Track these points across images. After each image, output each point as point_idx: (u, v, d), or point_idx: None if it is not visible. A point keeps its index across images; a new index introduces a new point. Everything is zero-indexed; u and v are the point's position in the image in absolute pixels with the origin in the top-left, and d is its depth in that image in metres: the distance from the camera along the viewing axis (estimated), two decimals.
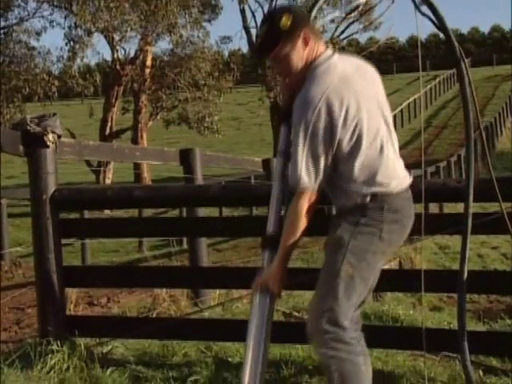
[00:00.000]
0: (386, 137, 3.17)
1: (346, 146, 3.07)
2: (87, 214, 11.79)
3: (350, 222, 3.14)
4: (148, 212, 14.30)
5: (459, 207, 4.61)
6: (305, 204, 3.11)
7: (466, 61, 3.51)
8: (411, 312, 6.15)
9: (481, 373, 4.18)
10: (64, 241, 4.97)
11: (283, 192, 3.28)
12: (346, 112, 3.03)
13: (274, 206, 3.29)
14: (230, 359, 4.59)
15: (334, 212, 3.38)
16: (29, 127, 4.64)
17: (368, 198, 3.12)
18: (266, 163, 9.07)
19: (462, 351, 3.67)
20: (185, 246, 10.23)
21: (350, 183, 3.13)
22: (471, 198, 3.61)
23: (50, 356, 4.49)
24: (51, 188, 4.74)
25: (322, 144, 3.04)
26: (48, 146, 4.69)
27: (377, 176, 3.12)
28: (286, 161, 3.28)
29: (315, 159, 3.06)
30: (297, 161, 3.08)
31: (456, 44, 3.47)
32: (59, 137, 4.79)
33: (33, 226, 4.83)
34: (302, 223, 3.13)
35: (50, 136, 4.66)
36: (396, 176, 3.19)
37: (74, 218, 10.28)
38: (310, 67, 3.13)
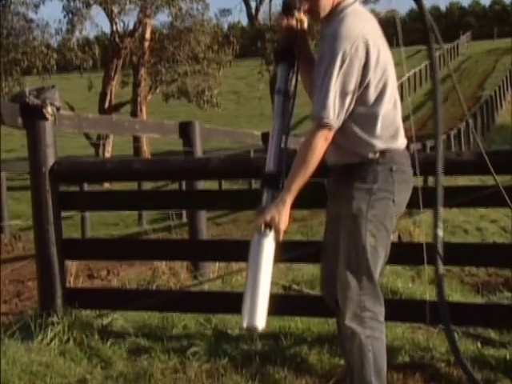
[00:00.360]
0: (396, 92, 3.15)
1: (372, 90, 3.01)
2: (86, 188, 11.80)
3: (363, 191, 3.06)
4: (147, 186, 14.31)
5: (459, 180, 4.65)
6: (322, 141, 2.97)
7: (436, 34, 3.49)
8: (410, 285, 6.18)
9: (479, 345, 4.21)
10: (63, 214, 4.98)
11: (284, 131, 3.13)
12: (378, 55, 2.99)
13: (274, 144, 3.11)
14: (229, 331, 4.62)
15: (334, 175, 3.24)
16: (27, 99, 4.62)
17: (377, 155, 3.05)
18: (266, 137, 9.04)
19: (445, 321, 3.63)
20: (184, 219, 10.23)
21: (365, 133, 3.04)
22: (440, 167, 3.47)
23: (50, 328, 4.51)
24: (50, 160, 4.74)
25: (354, 81, 2.95)
26: (47, 119, 4.68)
27: (390, 129, 3.08)
28: (286, 99, 3.16)
29: (343, 96, 2.95)
30: (328, 92, 2.93)
31: (427, 15, 3.42)
32: (58, 109, 4.77)
33: (32, 198, 4.83)
34: (315, 160, 2.98)
35: (49, 108, 4.65)
36: (402, 133, 3.17)
37: (74, 190, 10.28)
38: (337, 9, 3.07)
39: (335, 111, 2.95)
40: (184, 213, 10.61)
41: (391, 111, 3.08)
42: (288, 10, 3.18)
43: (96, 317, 4.86)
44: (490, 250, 4.54)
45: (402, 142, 3.13)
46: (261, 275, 2.94)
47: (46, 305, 4.71)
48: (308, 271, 5.98)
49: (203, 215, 6.66)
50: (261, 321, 2.92)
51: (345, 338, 3.14)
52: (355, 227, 3.06)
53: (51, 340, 4.46)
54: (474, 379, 3.49)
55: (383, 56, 3.02)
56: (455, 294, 5.31)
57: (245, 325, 2.95)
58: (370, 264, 3.06)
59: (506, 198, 3.76)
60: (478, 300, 5.63)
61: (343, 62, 2.92)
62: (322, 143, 2.96)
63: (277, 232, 2.97)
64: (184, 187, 10.41)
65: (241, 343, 4.35)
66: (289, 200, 2.98)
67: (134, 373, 4.11)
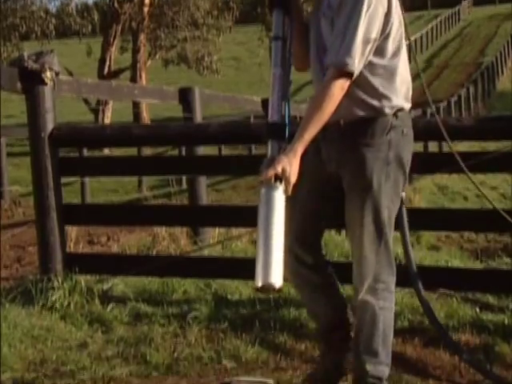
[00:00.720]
0: None
1: (391, 41, 2.91)
2: (86, 154, 11.79)
3: (379, 161, 2.90)
4: (147, 152, 14.28)
5: (460, 146, 4.63)
6: (339, 89, 2.78)
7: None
8: None
9: (477, 310, 4.24)
10: (63, 181, 4.98)
11: (285, 78, 2.96)
12: (396, 7, 2.92)
13: (276, 93, 2.92)
14: (229, 296, 4.64)
15: (334, 134, 2.98)
16: (26, 64, 4.59)
17: (393, 111, 2.91)
18: (266, 103, 9.00)
19: (414, 282, 3.68)
20: (184, 186, 10.24)
21: (383, 86, 2.90)
22: None
23: (50, 293, 4.54)
24: (50, 126, 4.72)
25: (377, 29, 2.82)
26: (46, 83, 4.66)
27: (405, 87, 2.97)
28: (284, 45, 3.00)
29: (366, 42, 2.80)
30: (354, 37, 2.77)
31: None
32: (57, 74, 4.75)
33: (32, 164, 4.83)
34: (330, 109, 2.79)
35: (48, 73, 4.62)
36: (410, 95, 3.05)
37: (73, 156, 10.27)
38: None
39: (357, 57, 2.79)
40: (184, 179, 10.61)
41: (406, 68, 2.98)
42: None
43: (96, 282, 4.88)
44: (490, 215, 4.53)
45: (410, 103, 3.02)
46: (273, 230, 2.72)
47: (47, 270, 4.73)
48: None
49: (203, 181, 6.66)
50: (277, 278, 2.69)
51: (356, 308, 3.09)
52: (372, 202, 2.93)
53: (52, 305, 4.48)
54: (449, 340, 3.63)
55: (399, 9, 2.95)
56: (454, 260, 5.33)
57: (260, 283, 2.68)
58: (387, 236, 2.98)
59: None
60: (477, 266, 5.65)
61: (369, 7, 2.79)
62: (339, 91, 2.78)
63: (288, 184, 2.77)
64: (184, 154, 10.40)
65: (241, 308, 4.38)
66: (300, 150, 2.79)
67: (135, 337, 4.13)
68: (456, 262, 5.34)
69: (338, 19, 2.86)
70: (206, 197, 6.90)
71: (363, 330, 3.04)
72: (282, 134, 2.89)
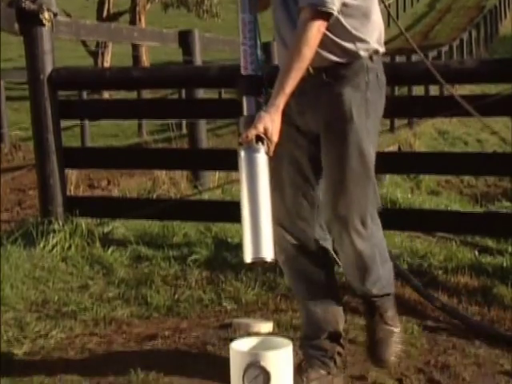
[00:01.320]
0: None
1: None
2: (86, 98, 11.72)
3: (357, 99, 2.66)
4: (146, 96, 14.19)
5: (461, 90, 4.61)
6: (316, 31, 2.54)
7: None
8: (409, 195, 6.22)
9: (476, 253, 4.26)
10: (63, 125, 4.96)
11: (255, 24, 2.68)
12: None
13: (248, 40, 2.66)
14: (229, 240, 4.66)
15: (307, 84, 2.67)
16: (24, 4, 4.54)
17: (369, 54, 2.69)
18: (266, 47, 8.91)
19: None
20: (184, 131, 10.20)
21: (358, 28, 2.66)
22: None
23: (51, 235, 4.56)
24: (48, 68, 4.69)
25: None
26: (44, 25, 4.61)
27: (377, 31, 2.75)
28: None
29: None
30: None
31: None
32: (55, 15, 4.70)
33: (31, 106, 4.81)
34: (310, 55, 2.55)
35: (46, 14, 4.57)
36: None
37: (73, 99, 10.22)
38: None
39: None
40: (184, 124, 10.57)
41: (378, 11, 2.75)
42: None
43: (97, 225, 4.90)
44: (490, 159, 4.53)
45: (383, 48, 2.79)
46: (259, 198, 2.48)
47: (47, 213, 4.74)
48: None
49: (203, 126, 6.63)
50: (268, 251, 2.47)
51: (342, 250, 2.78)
52: (356, 136, 2.64)
53: (53, 247, 4.51)
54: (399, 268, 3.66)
55: None
56: (454, 205, 5.34)
57: (249, 259, 2.49)
58: (372, 172, 2.72)
59: None
60: (477, 210, 5.66)
61: None
62: (316, 34, 2.54)
63: (270, 144, 2.52)
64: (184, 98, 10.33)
65: (241, 251, 4.37)
66: (282, 104, 2.53)
67: (135, 279, 4.17)
68: (456, 207, 5.36)
69: None
70: (206, 141, 6.89)
71: (362, 267, 2.77)
72: (258, 87, 2.63)
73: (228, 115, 5.85)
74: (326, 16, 2.55)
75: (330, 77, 2.67)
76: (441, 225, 4.32)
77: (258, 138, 2.49)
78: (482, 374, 2.97)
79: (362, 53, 2.67)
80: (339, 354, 2.89)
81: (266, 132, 2.49)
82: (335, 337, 2.89)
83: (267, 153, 2.51)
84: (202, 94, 6.47)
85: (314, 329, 2.89)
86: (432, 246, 4.40)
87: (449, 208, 5.05)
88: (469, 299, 3.72)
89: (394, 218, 4.39)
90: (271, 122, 2.50)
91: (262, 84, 2.62)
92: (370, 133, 2.69)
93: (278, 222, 2.74)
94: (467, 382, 2.90)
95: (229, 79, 4.67)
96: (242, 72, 2.64)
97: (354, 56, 2.67)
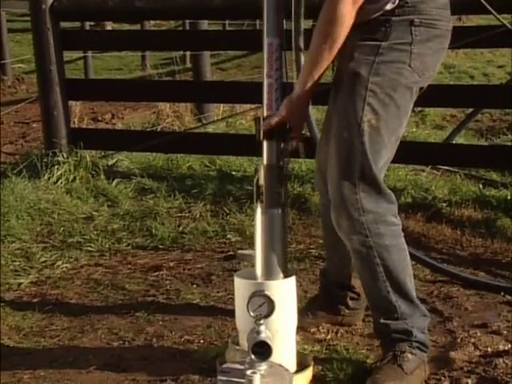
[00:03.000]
0: None
1: None
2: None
3: (366, 48, 2.30)
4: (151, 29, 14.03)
5: (469, 22, 4.53)
6: (349, 4, 2.20)
7: None
8: (414, 129, 6.18)
9: (480, 186, 4.26)
10: (66, 58, 4.92)
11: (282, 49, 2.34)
12: None
13: (274, 72, 2.30)
14: (233, 173, 4.66)
15: None
16: None
17: (396, 3, 2.27)
18: None
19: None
20: (188, 64, 10.12)
21: None
22: None
23: (56, 167, 4.56)
24: None
25: None
26: None
27: None
28: None
29: None
30: None
31: None
32: None
33: (33, 37, 4.76)
34: (343, 34, 2.22)
35: None
36: None
37: (75, 30, 10.12)
38: None
39: None
40: (188, 57, 10.49)
41: None
42: None
43: (101, 157, 4.90)
44: (496, 91, 4.49)
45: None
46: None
47: (52, 144, 4.73)
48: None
49: (207, 59, 6.58)
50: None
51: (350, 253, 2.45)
52: (349, 98, 2.30)
53: (58, 179, 4.52)
54: None
55: None
56: (459, 138, 5.30)
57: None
58: (366, 150, 2.27)
59: None
60: (482, 143, 5.64)
61: None
62: (349, 8, 2.20)
63: (295, 135, 2.32)
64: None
65: (245, 184, 4.40)
66: (309, 89, 2.28)
67: (140, 211, 4.19)
68: (460, 140, 5.33)
69: None
70: (210, 75, 6.84)
71: (363, 280, 2.46)
72: (282, 132, 2.29)
73: (232, 47, 5.81)
74: None
75: (353, 35, 2.29)
76: (445, 158, 4.30)
77: (280, 131, 2.28)
78: (484, 304, 2.99)
79: (390, 6, 2.28)
80: (352, 298, 2.80)
81: (290, 120, 2.29)
82: (347, 284, 2.78)
83: (291, 150, 2.32)
84: (206, 25, 6.41)
85: (331, 269, 2.82)
86: (436, 179, 4.40)
87: (453, 142, 5.01)
88: (472, 232, 3.73)
89: (399, 151, 4.36)
90: (297, 110, 2.30)
91: (286, 128, 2.30)
92: (376, 94, 2.28)
93: (318, 165, 2.64)
94: (469, 311, 2.92)
95: (233, 10, 4.66)
96: (265, 112, 2.32)
97: (378, 10, 2.29)
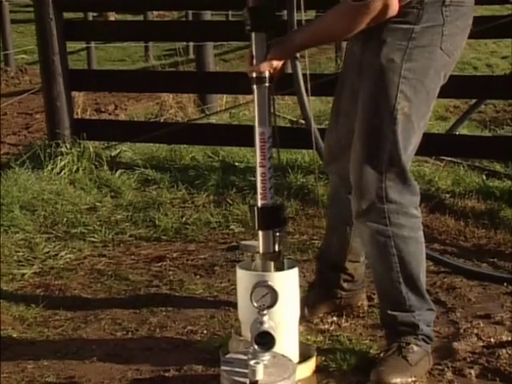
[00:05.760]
0: None
1: None
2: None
3: (399, 32, 2.24)
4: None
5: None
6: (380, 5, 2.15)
7: None
8: None
9: (484, 177, 4.25)
10: (69, 49, 4.91)
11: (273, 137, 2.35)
12: None
13: (267, 162, 2.30)
14: (236, 164, 4.66)
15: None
16: None
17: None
18: None
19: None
20: (191, 55, 10.10)
21: None
22: None
23: (59, 158, 4.57)
24: None
25: None
26: None
27: None
28: None
29: None
30: None
31: None
32: None
33: (36, 28, 4.77)
34: (366, 23, 2.20)
35: None
36: None
37: (79, 20, 10.10)
38: None
39: None
40: (191, 49, 10.47)
41: None
42: None
43: (104, 148, 4.90)
44: (500, 82, 4.48)
45: None
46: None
47: (55, 135, 4.73)
48: (315, 106, 5.95)
49: (210, 50, 6.57)
50: None
51: (362, 238, 2.47)
52: (382, 85, 2.26)
53: (61, 170, 4.52)
54: None
55: None
56: (462, 130, 5.29)
57: None
58: (398, 139, 2.25)
59: None
60: (485, 134, 5.62)
61: None
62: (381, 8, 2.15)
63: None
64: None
65: (248, 175, 4.40)
66: (299, 44, 2.35)
67: (143, 202, 4.19)
68: (464, 131, 5.32)
69: None
70: (213, 66, 6.83)
71: (375, 266, 2.45)
72: (278, 220, 2.32)
73: (235, 38, 5.79)
74: None
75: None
76: (449, 149, 4.29)
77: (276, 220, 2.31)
78: (487, 295, 2.99)
79: None
80: (346, 280, 2.79)
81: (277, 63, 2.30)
82: (340, 266, 2.77)
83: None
84: (209, 16, 6.39)
85: (327, 250, 2.83)
86: (440, 170, 4.39)
87: (457, 133, 5.00)
88: (476, 223, 3.73)
89: None
90: (281, 58, 2.31)
91: (283, 215, 2.33)
92: (409, 80, 2.25)
93: (328, 146, 2.65)
94: (472, 302, 2.93)
95: (236, 0, 4.65)
96: (259, 201, 2.31)
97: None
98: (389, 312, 2.41)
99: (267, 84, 2.29)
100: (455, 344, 2.55)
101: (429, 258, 3.28)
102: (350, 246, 2.71)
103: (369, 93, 2.30)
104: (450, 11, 2.25)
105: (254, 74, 2.29)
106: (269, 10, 2.31)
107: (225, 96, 6.47)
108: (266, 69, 2.28)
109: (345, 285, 2.80)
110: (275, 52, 2.29)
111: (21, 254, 3.54)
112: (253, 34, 2.31)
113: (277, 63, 2.29)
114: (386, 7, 2.16)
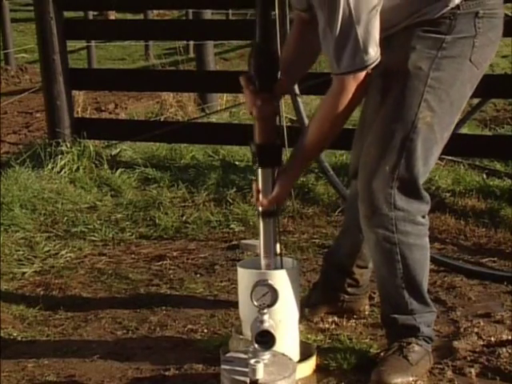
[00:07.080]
0: None
1: None
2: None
3: (429, 41, 2.21)
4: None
5: None
6: (353, 87, 2.17)
7: None
8: None
9: (484, 176, 4.25)
10: (69, 48, 4.91)
11: None
12: None
13: None
14: (237, 163, 4.67)
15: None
16: None
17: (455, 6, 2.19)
18: None
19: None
20: (192, 54, 10.09)
21: None
22: None
23: (59, 157, 4.57)
24: None
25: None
26: None
27: None
28: None
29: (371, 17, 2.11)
30: (356, 40, 2.10)
31: None
32: None
33: (36, 27, 4.77)
34: (342, 121, 2.24)
35: None
36: None
37: (79, 19, 10.10)
38: None
39: (375, 44, 2.14)
40: (191, 47, 10.46)
41: None
42: None
43: (104, 147, 4.90)
44: (499, 81, 4.47)
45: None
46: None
47: (55, 134, 4.73)
48: (315, 106, 5.94)
49: (210, 49, 6.57)
50: None
51: (367, 243, 2.48)
52: (406, 92, 2.22)
53: (61, 169, 4.53)
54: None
55: None
56: (462, 129, 5.27)
57: None
58: (415, 147, 2.22)
59: None
60: (486, 133, 5.62)
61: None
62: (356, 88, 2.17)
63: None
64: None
65: (248, 174, 4.40)
66: (301, 171, 2.45)
67: (144, 201, 4.19)
68: (464, 130, 5.30)
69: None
70: (213, 64, 6.83)
71: (379, 273, 2.44)
72: (276, 158, 2.33)
73: (235, 36, 5.79)
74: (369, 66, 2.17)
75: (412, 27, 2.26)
76: (449, 148, 4.27)
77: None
78: (487, 294, 2.99)
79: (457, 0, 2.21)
80: (350, 285, 2.78)
81: (277, 202, 2.34)
82: (347, 270, 2.76)
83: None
84: (209, 15, 6.39)
85: (338, 252, 2.81)
86: (440, 169, 4.38)
87: (457, 131, 4.98)
88: (476, 221, 3.73)
89: None
90: (284, 195, 2.36)
91: (280, 154, 2.32)
92: (435, 90, 2.22)
93: (354, 154, 2.61)
94: (473, 301, 2.92)
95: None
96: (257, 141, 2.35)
97: (442, 8, 2.22)
98: (390, 315, 2.42)
99: (274, 217, 2.33)
100: (455, 343, 2.55)
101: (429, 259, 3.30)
102: (360, 252, 2.70)
103: (391, 98, 2.26)
104: (483, 23, 2.24)
105: (261, 209, 2.33)
106: (276, 148, 2.32)
107: (225, 95, 6.47)
108: (274, 204, 2.32)
109: (349, 289, 2.80)
110: (281, 185, 2.31)
111: (21, 252, 3.54)
112: (259, 170, 2.33)
113: (284, 195, 2.35)
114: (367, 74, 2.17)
